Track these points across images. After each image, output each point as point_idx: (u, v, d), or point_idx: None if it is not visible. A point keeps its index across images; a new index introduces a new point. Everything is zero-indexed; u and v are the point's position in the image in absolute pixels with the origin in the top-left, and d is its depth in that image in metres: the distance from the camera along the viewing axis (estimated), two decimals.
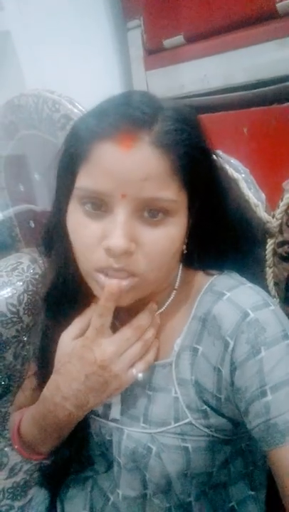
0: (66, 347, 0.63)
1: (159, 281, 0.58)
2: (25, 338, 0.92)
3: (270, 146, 1.13)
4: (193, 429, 0.59)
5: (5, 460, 0.89)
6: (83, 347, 0.60)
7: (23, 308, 0.91)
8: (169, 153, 0.51)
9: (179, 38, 1.37)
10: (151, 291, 0.59)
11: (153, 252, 0.53)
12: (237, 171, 0.67)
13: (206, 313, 0.59)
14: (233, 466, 0.65)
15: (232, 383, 0.55)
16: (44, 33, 1.40)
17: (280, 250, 0.64)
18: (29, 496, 0.86)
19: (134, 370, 0.60)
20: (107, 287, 0.54)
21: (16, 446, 0.72)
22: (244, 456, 0.66)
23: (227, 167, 0.67)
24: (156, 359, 0.63)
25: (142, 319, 0.61)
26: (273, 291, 0.67)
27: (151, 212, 0.52)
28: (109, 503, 0.70)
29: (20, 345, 0.92)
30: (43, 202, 0.96)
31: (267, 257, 0.66)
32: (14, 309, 0.90)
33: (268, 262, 0.66)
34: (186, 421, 0.59)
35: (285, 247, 0.63)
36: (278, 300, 0.67)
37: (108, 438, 0.67)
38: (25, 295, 0.92)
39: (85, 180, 0.53)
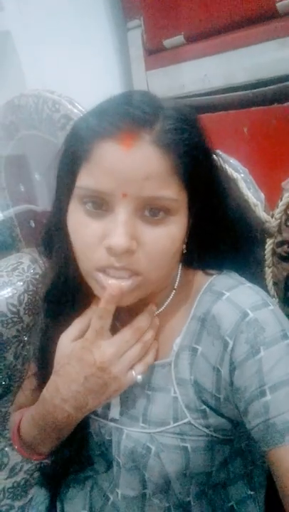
0: (65, 348, 0.63)
1: (160, 281, 0.58)
2: (25, 338, 0.92)
3: (270, 146, 1.13)
4: (192, 428, 0.59)
5: (5, 460, 0.90)
6: (82, 349, 0.60)
7: (24, 308, 0.91)
8: (169, 152, 0.51)
9: (179, 38, 1.37)
10: (152, 291, 0.59)
11: (154, 251, 0.53)
12: (236, 170, 0.67)
13: (206, 313, 0.59)
14: (232, 466, 0.65)
15: (231, 383, 0.55)
16: (44, 33, 1.40)
17: (279, 250, 0.64)
18: (29, 496, 0.86)
19: (133, 372, 0.60)
20: (108, 289, 0.54)
21: (16, 447, 0.72)
22: (243, 456, 0.66)
23: (226, 167, 0.67)
24: (155, 359, 0.64)
25: (141, 321, 0.61)
26: (272, 291, 0.67)
27: (152, 211, 0.52)
28: (109, 502, 0.70)
29: (21, 345, 0.92)
30: (44, 202, 0.96)
31: (266, 256, 0.66)
32: (15, 309, 0.90)
33: (267, 262, 0.66)
34: (185, 421, 0.60)
35: (284, 246, 0.63)
36: (277, 300, 0.67)
37: (108, 438, 0.67)
38: (26, 295, 0.92)
39: (86, 180, 0.53)
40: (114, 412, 0.65)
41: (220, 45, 1.24)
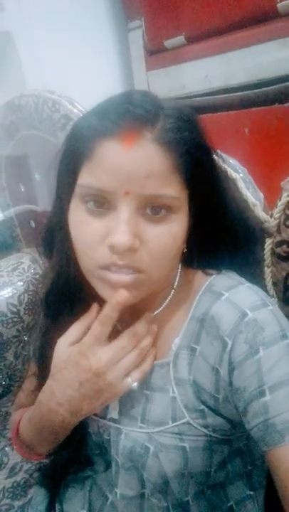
0: (62, 353, 0.63)
1: (162, 279, 0.58)
2: (25, 338, 0.92)
3: (271, 146, 1.13)
4: (190, 428, 0.59)
5: (5, 459, 0.90)
6: (79, 353, 0.60)
7: (24, 308, 0.91)
8: (171, 150, 0.51)
9: (180, 39, 1.37)
10: (153, 291, 0.59)
11: (156, 249, 0.53)
12: (235, 170, 0.67)
13: (204, 313, 0.59)
14: (232, 465, 0.65)
15: (230, 383, 0.55)
16: (45, 33, 1.40)
17: (278, 250, 0.64)
18: (29, 496, 0.86)
19: (129, 379, 0.60)
20: (115, 296, 0.55)
21: (15, 447, 0.72)
22: (242, 456, 0.66)
23: (225, 166, 0.67)
24: (154, 359, 0.63)
25: (138, 327, 0.61)
26: (272, 291, 0.67)
27: (154, 209, 0.53)
28: (108, 502, 0.70)
29: (21, 345, 0.92)
30: (44, 202, 0.96)
31: (265, 256, 0.66)
32: (15, 309, 0.90)
33: (266, 262, 0.66)
34: (184, 421, 0.59)
35: (284, 246, 0.62)
36: (277, 300, 0.67)
37: (106, 437, 0.67)
38: (26, 295, 0.92)
39: (88, 178, 0.53)
40: (113, 411, 0.65)
41: (221, 46, 1.24)
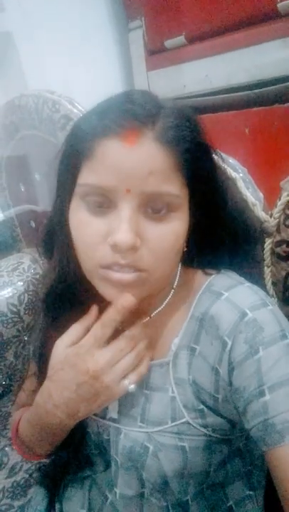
0: (60, 354, 0.62)
1: (163, 278, 0.58)
2: (26, 338, 0.92)
3: (271, 146, 1.13)
4: (190, 428, 0.59)
5: (5, 459, 0.90)
6: (76, 355, 0.60)
7: (24, 308, 0.91)
8: (172, 149, 0.51)
9: (181, 39, 1.37)
10: (154, 289, 0.59)
11: (158, 248, 0.53)
12: (235, 170, 0.67)
13: (204, 313, 0.59)
14: (231, 465, 0.65)
15: (230, 383, 0.55)
16: (45, 33, 1.40)
17: (277, 249, 0.63)
18: (29, 496, 0.86)
19: (126, 382, 0.60)
20: (121, 299, 0.55)
21: (15, 447, 0.72)
22: (242, 456, 0.66)
23: (225, 166, 0.67)
24: (153, 358, 0.64)
25: (135, 330, 0.61)
26: (271, 291, 0.67)
27: (155, 207, 0.53)
28: (108, 502, 0.70)
29: (21, 345, 0.92)
30: (44, 202, 0.96)
31: (265, 256, 0.66)
32: (15, 309, 0.90)
33: (265, 262, 0.66)
34: (183, 420, 0.59)
35: (283, 246, 0.62)
36: (276, 299, 0.67)
37: (106, 437, 0.67)
38: (26, 295, 0.92)
39: (89, 177, 0.53)
40: (113, 411, 0.65)
41: (221, 46, 1.25)
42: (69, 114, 0.81)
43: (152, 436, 0.61)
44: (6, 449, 0.90)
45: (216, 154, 0.62)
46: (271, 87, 1.12)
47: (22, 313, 0.91)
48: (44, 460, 0.73)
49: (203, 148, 0.57)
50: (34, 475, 0.88)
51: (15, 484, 0.88)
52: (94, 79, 1.39)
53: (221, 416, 0.59)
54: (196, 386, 0.59)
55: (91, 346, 0.59)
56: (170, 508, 0.64)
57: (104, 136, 0.51)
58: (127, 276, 0.53)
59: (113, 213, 0.53)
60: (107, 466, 0.72)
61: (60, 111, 0.82)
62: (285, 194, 0.60)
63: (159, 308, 0.64)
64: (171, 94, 1.43)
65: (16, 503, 0.85)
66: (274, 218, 0.63)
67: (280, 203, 0.61)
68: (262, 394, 0.50)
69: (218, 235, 0.63)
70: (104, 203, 0.53)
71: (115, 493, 0.65)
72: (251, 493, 0.68)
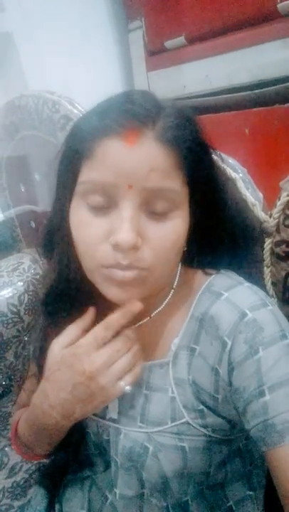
0: (56, 355, 0.62)
1: (164, 277, 0.58)
2: (26, 338, 0.92)
3: (271, 146, 1.13)
4: (189, 428, 0.59)
5: (5, 459, 0.90)
6: (74, 355, 0.59)
7: (24, 309, 0.91)
8: (172, 148, 0.52)
9: (181, 39, 1.37)
10: (155, 288, 0.59)
11: (159, 246, 0.53)
12: (234, 170, 0.67)
13: (204, 313, 0.59)
14: (231, 466, 0.65)
15: (230, 383, 0.55)
16: (46, 34, 1.40)
17: (277, 250, 0.64)
18: (28, 496, 0.86)
19: (122, 383, 0.59)
20: (129, 304, 0.56)
21: (14, 447, 0.72)
22: (242, 456, 0.66)
23: (225, 166, 0.67)
24: (153, 358, 0.64)
25: (130, 331, 0.61)
26: (271, 291, 0.67)
27: (157, 205, 0.53)
28: (108, 502, 0.70)
29: (21, 345, 0.92)
30: (44, 202, 0.96)
31: (264, 256, 0.66)
32: (15, 309, 0.90)
33: (265, 262, 0.66)
34: (183, 420, 0.59)
35: (283, 246, 0.62)
36: (276, 299, 0.67)
37: (106, 437, 0.67)
38: (26, 295, 0.92)
39: (90, 174, 0.53)
40: (113, 411, 0.65)
41: (221, 46, 1.25)
42: (69, 114, 0.81)
43: (152, 436, 0.61)
44: (6, 449, 0.90)
45: (215, 154, 0.62)
46: (271, 88, 1.12)
47: (22, 314, 0.91)
48: (44, 460, 0.73)
49: (202, 147, 0.57)
50: (34, 475, 0.88)
51: (15, 484, 0.88)
52: (94, 79, 1.39)
53: (221, 416, 0.59)
54: (195, 386, 0.59)
55: (89, 347, 0.59)
56: (170, 508, 0.64)
57: (104, 136, 0.51)
58: (129, 274, 0.53)
59: (114, 213, 0.53)
60: (107, 466, 0.71)
61: (60, 111, 0.82)
62: (284, 194, 0.60)
63: (159, 309, 0.64)
64: (171, 95, 1.43)
65: (16, 503, 0.85)
66: (273, 218, 0.63)
67: (280, 203, 0.61)
68: (262, 394, 0.50)
69: (217, 235, 0.63)
70: (105, 202, 0.53)
71: (115, 493, 0.65)
72: (251, 493, 0.68)
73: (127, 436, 0.63)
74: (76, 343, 0.61)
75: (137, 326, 0.64)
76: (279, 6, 1.04)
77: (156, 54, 1.51)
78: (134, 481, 0.63)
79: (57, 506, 0.75)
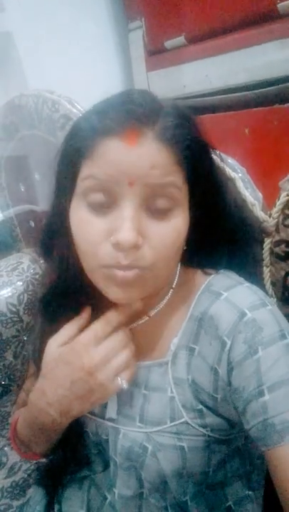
0: (52, 353, 0.62)
1: (164, 276, 0.59)
2: (25, 338, 0.92)
3: (271, 146, 1.13)
4: (189, 428, 0.59)
5: (4, 459, 0.90)
6: (72, 351, 0.60)
7: (23, 308, 0.91)
8: (172, 147, 0.52)
9: (180, 39, 1.37)
10: (155, 288, 0.59)
11: (160, 245, 0.53)
12: (234, 170, 0.67)
13: (203, 312, 0.59)
14: (230, 465, 0.65)
15: (229, 383, 0.55)
16: (45, 33, 1.40)
17: (276, 249, 0.64)
18: (28, 496, 0.86)
19: (119, 379, 0.59)
20: (133, 306, 0.57)
21: (13, 446, 0.72)
22: (241, 456, 0.66)
23: (224, 166, 0.67)
24: (152, 358, 0.64)
25: (126, 329, 0.62)
26: (270, 291, 0.67)
27: (157, 203, 0.53)
28: (107, 502, 0.70)
29: (20, 345, 0.92)
30: (44, 202, 0.96)
31: (264, 256, 0.66)
32: (14, 309, 0.90)
33: (264, 261, 0.66)
34: (182, 420, 0.59)
35: (282, 246, 0.62)
36: (275, 299, 0.67)
37: (105, 437, 0.67)
38: (26, 295, 0.92)
39: (90, 172, 0.53)
40: (112, 411, 0.65)
41: (221, 46, 1.25)
42: (68, 113, 0.81)
43: (151, 436, 0.61)
44: (5, 448, 0.90)
45: (215, 154, 0.62)
46: (271, 88, 1.12)
47: (21, 313, 0.91)
48: (43, 460, 0.73)
49: (202, 146, 0.57)
50: (33, 475, 0.88)
51: (14, 484, 0.88)
52: (94, 79, 1.39)
53: (220, 416, 0.59)
54: (195, 386, 0.59)
55: (88, 343, 0.59)
56: (169, 508, 0.64)
57: (104, 136, 0.51)
58: (129, 273, 0.53)
59: (115, 212, 0.53)
60: (106, 466, 0.71)
61: (59, 110, 0.82)
62: (284, 194, 0.60)
63: (158, 308, 0.64)
64: (171, 95, 1.43)
65: (15, 503, 0.85)
66: (273, 218, 0.63)
67: (279, 203, 0.61)
68: (261, 394, 0.50)
69: (217, 235, 0.63)
70: (105, 201, 0.53)
71: (114, 493, 0.65)
72: (250, 493, 0.68)
73: (126, 436, 0.63)
74: (74, 339, 0.61)
75: (136, 325, 0.64)
76: (279, 6, 1.04)
77: (156, 54, 1.51)
78: (133, 480, 0.64)
79: (56, 506, 0.75)
